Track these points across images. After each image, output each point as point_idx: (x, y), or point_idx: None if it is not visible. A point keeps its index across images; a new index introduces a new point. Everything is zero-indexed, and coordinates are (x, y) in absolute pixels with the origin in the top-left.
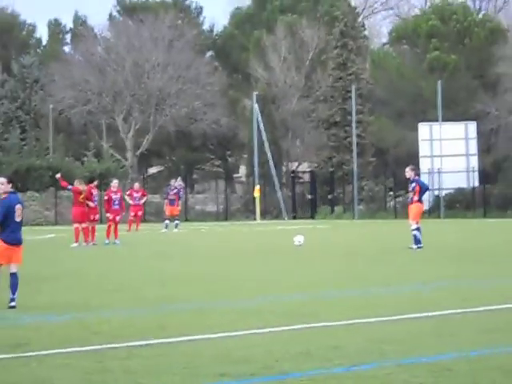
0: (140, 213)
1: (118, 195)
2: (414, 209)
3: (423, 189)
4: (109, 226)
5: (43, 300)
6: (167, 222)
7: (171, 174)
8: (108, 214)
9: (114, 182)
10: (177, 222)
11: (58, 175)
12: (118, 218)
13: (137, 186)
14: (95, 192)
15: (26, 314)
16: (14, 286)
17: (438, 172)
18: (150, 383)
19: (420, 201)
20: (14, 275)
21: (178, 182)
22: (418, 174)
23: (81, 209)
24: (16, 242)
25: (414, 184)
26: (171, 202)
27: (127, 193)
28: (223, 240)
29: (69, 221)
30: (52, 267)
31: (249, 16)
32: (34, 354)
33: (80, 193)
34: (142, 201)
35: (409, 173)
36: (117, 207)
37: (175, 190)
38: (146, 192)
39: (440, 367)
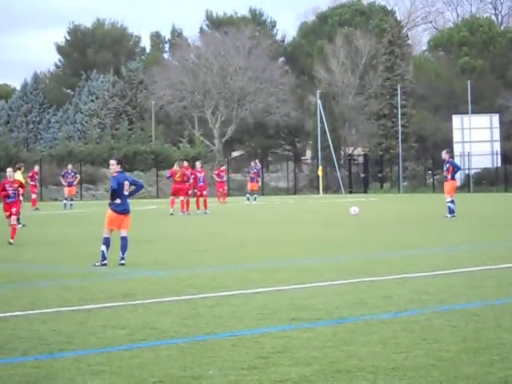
0: (225, 188)
1: (202, 174)
2: (448, 185)
3: (456, 169)
4: (197, 199)
5: (147, 259)
6: (248, 195)
7: (250, 157)
8: (195, 190)
9: (198, 164)
10: (255, 195)
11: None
12: (204, 192)
13: (223, 167)
14: (188, 171)
15: (134, 270)
16: (123, 248)
17: (468, 155)
18: (234, 326)
19: (453, 178)
20: (123, 238)
21: (257, 164)
22: (452, 156)
23: (177, 185)
24: (124, 211)
25: (448, 165)
26: (251, 180)
27: (215, 172)
28: (292, 210)
29: (168, 195)
30: (154, 232)
31: (313, 28)
32: (140, 302)
33: (176, 173)
34: (225, 178)
35: (445, 155)
36: (201, 184)
37: (254, 170)
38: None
39: (469, 313)
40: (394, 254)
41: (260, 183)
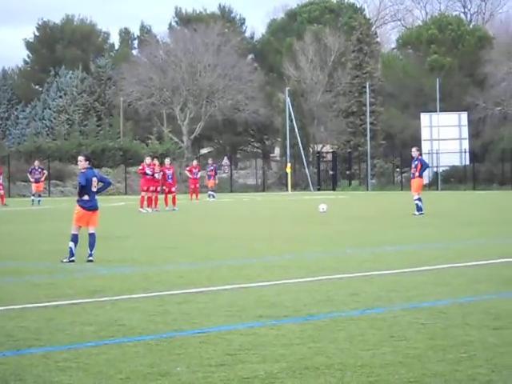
0: (198, 185)
1: (171, 171)
2: (415, 182)
3: (424, 166)
4: (166, 196)
5: (115, 255)
6: (209, 193)
7: (219, 154)
8: (164, 187)
9: (167, 160)
10: (213, 193)
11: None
12: (173, 189)
13: (195, 163)
14: (156, 168)
15: (102, 267)
16: (91, 244)
17: (436, 153)
18: (201, 323)
19: (421, 176)
20: (91, 235)
21: (225, 161)
22: (420, 154)
23: (149, 181)
24: (93, 208)
25: (416, 162)
26: (209, 177)
27: (187, 168)
28: (261, 207)
29: (136, 191)
30: (122, 229)
31: (282, 26)
32: (108, 298)
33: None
34: (199, 175)
35: (414, 153)
36: (170, 181)
37: (211, 167)
38: (200, 168)
39: (437, 311)
40: (362, 252)
41: (228, 180)
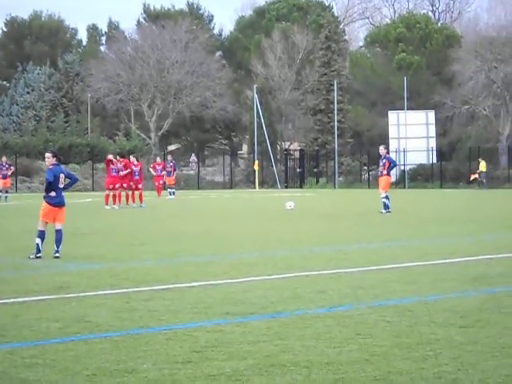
0: (161, 181)
1: (138, 167)
2: (383, 180)
3: (392, 164)
4: (133, 193)
5: (82, 252)
6: (169, 190)
7: (187, 151)
8: (131, 183)
9: (133, 158)
10: (173, 190)
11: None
12: (139, 185)
13: (159, 160)
14: (121, 165)
15: (68, 263)
16: (58, 241)
17: (403, 151)
18: (168, 320)
19: (388, 174)
20: (58, 231)
21: (192, 158)
22: (388, 152)
23: (112, 178)
24: (60, 204)
25: (384, 160)
26: (168, 174)
27: (151, 165)
28: (228, 204)
29: (103, 188)
30: (89, 225)
31: (251, 23)
32: (74, 295)
33: (111, 164)
34: (163, 172)
35: (382, 151)
36: (137, 177)
37: (171, 164)
38: (165, 165)
39: (403, 308)
40: (328, 249)
41: (195, 178)
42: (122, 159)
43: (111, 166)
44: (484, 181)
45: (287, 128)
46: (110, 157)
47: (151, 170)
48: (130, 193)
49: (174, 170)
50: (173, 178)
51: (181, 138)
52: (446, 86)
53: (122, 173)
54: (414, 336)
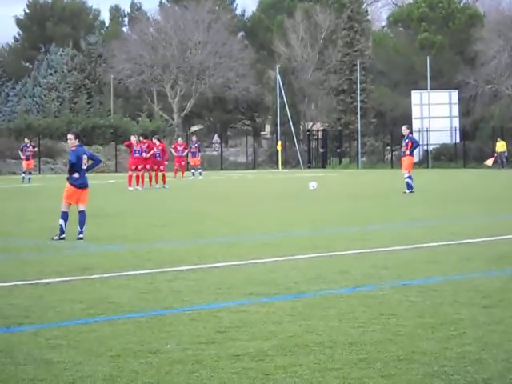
0: (183, 163)
1: (159, 149)
2: (406, 160)
3: (415, 144)
4: (156, 174)
5: (105, 233)
6: (193, 171)
7: (209, 132)
8: (154, 165)
9: (155, 139)
10: (200, 170)
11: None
12: (161, 167)
13: (180, 140)
14: (145, 146)
15: (92, 244)
16: (81, 222)
17: (426, 131)
18: (192, 300)
19: (411, 154)
20: (81, 213)
21: (215, 139)
22: (411, 132)
23: (134, 159)
24: (83, 185)
25: (407, 140)
26: (193, 155)
27: (172, 146)
28: (251, 185)
29: (126, 169)
30: (112, 206)
31: (273, 3)
32: (97, 276)
33: (131, 146)
34: (185, 153)
35: (405, 131)
36: (159, 159)
37: (196, 145)
38: (187, 146)
39: (427, 288)
40: (352, 229)
41: (218, 158)
42: (145, 140)
43: (134, 147)
44: (504, 160)
45: (310, 108)
46: (133, 140)
47: (172, 150)
48: (153, 174)
49: (199, 150)
50: (198, 158)
51: (203, 118)
52: (469, 66)
53: (145, 154)
54: (438, 316)
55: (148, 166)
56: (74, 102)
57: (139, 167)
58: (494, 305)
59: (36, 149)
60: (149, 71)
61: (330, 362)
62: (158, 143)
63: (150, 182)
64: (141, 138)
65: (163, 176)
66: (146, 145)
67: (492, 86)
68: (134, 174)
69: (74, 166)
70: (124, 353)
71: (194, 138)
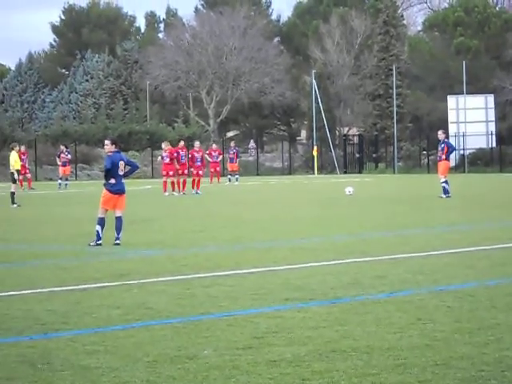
0: (218, 168)
1: (200, 154)
2: (442, 165)
3: (451, 149)
4: (193, 179)
5: (142, 239)
6: (229, 176)
7: (245, 137)
8: (192, 169)
9: (196, 144)
10: (237, 176)
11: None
12: (200, 172)
13: (215, 146)
14: (183, 152)
15: (128, 250)
16: (118, 228)
17: (462, 135)
18: (228, 306)
19: (447, 159)
20: (118, 219)
21: (251, 144)
22: (447, 136)
23: (169, 165)
24: (120, 191)
25: (443, 145)
26: (231, 160)
27: (207, 152)
28: (287, 190)
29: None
30: (149, 212)
31: (308, 8)
32: (134, 282)
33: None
34: (219, 158)
35: (441, 135)
36: (199, 164)
37: (234, 150)
38: (222, 151)
39: (464, 293)
40: (388, 234)
41: (254, 164)
42: (167, 148)
43: (162, 153)
44: None
45: (346, 113)
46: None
47: (207, 156)
48: (186, 179)
49: (237, 156)
50: (235, 164)
51: (239, 124)
52: (505, 70)
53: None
54: (475, 321)
55: (180, 172)
56: (111, 109)
57: (170, 173)
58: None
59: (69, 156)
60: (184, 77)
61: (367, 368)
62: (197, 148)
63: (184, 187)
64: (181, 143)
65: (198, 181)
66: (168, 151)
67: None
68: (169, 180)
69: (110, 172)
70: (161, 358)
71: (232, 144)
